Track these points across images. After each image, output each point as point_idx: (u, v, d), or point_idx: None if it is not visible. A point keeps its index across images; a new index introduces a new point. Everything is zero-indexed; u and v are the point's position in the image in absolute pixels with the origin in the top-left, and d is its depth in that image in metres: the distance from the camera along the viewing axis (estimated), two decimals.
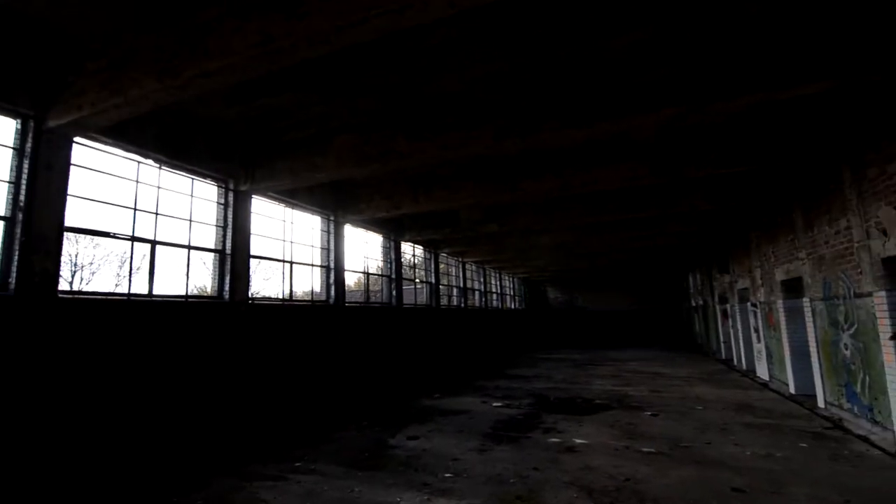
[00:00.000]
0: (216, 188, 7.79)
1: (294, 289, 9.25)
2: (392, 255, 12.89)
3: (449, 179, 9.27)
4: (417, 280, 14.68)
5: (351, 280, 16.30)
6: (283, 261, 9.00)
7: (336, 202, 10.37)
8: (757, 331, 12.71)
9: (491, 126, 6.04)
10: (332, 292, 10.15)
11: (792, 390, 10.05)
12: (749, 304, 13.18)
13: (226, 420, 7.13)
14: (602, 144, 7.88)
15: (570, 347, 26.12)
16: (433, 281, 15.52)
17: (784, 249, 10.09)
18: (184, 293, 6.97)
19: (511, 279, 27.20)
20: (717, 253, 16.92)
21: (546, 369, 16.15)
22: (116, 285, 20.73)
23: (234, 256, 7.66)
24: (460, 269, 18.42)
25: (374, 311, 11.75)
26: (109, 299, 5.93)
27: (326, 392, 9.52)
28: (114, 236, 6.01)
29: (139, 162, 6.42)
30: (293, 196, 9.14)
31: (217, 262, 7.63)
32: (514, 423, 8.20)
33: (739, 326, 14.48)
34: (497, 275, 24.23)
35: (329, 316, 9.90)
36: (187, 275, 7.26)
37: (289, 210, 9.28)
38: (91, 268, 22.25)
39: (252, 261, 8.08)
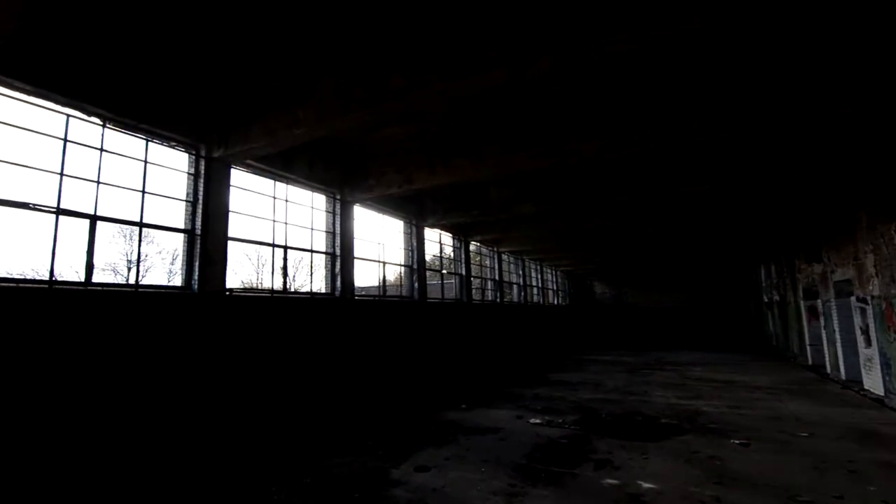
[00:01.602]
0: (186, 155, 6.41)
1: (304, 282, 7.80)
2: (413, 241, 11.27)
3: (470, 145, 7.50)
4: (444, 271, 12.99)
5: (391, 274, 14.86)
6: (275, 245, 7.55)
7: (342, 178, 8.85)
8: (866, 333, 10.13)
9: (516, 44, 4.23)
10: (339, 283, 8.64)
11: None
12: (854, 298, 10.58)
13: (188, 441, 5.73)
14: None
15: (620, 348, 23.67)
16: (463, 272, 13.79)
17: None
18: (132, 282, 5.62)
19: (553, 272, 25.03)
20: (803, 238, 14.18)
21: (594, 374, 14.07)
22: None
23: (205, 238, 6.25)
24: (495, 260, 16.58)
25: (391, 307, 10.18)
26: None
27: (330, 403, 8.03)
28: (33, 207, 4.69)
29: (69, 116, 5.08)
30: (289, 169, 7.69)
31: (185, 246, 6.25)
32: (555, 451, 6.37)
33: (836, 327, 11.83)
34: (538, 267, 22.18)
35: (334, 311, 8.40)
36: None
37: (283, 186, 7.83)
38: None
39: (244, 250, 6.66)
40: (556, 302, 25.11)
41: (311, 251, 8.19)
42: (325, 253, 8.69)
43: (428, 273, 11.81)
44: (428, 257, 12.29)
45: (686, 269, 26.72)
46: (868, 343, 10.05)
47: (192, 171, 6.45)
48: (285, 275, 7.54)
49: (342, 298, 8.59)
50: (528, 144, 7.02)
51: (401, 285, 11.07)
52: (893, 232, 8.43)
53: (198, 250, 6.18)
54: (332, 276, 8.66)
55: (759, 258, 21.42)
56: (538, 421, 8.01)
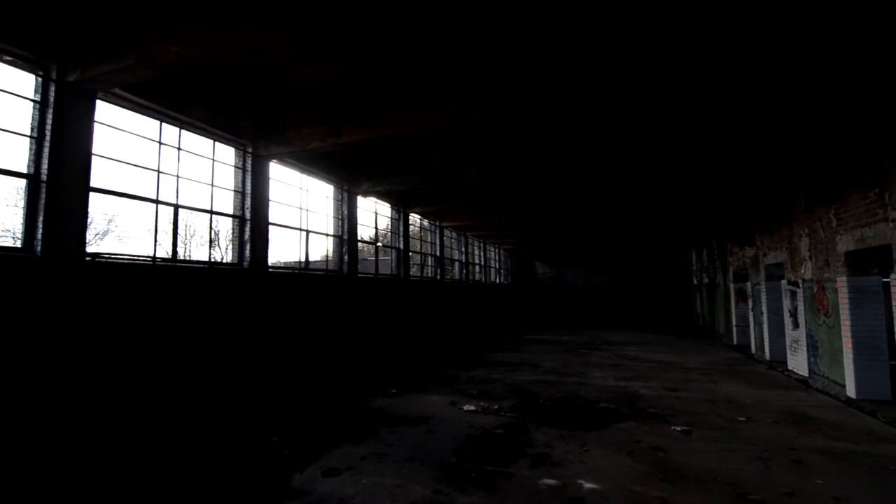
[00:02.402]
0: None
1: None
2: (344, 209, 10.09)
3: (407, 94, 6.44)
4: (380, 244, 11.92)
5: (320, 249, 13.59)
6: (159, 202, 6.14)
7: (255, 129, 7.48)
8: (794, 315, 10.33)
9: None
10: (247, 252, 7.37)
11: (851, 393, 7.71)
12: (784, 282, 10.76)
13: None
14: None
15: (558, 327, 23.85)
16: (401, 246, 12.79)
17: (857, 210, 7.56)
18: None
19: (497, 250, 24.63)
20: (737, 221, 14.45)
21: (533, 354, 13.73)
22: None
23: (56, 187, 4.81)
24: (437, 235, 15.70)
25: (315, 281, 9.03)
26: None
27: (235, 394, 6.87)
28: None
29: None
30: (184, 110, 6.27)
31: (28, 195, 4.77)
32: (490, 444, 5.67)
33: (764, 309, 12.12)
34: (481, 245, 21.60)
35: (241, 285, 7.16)
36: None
37: (175, 130, 6.38)
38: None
39: None
40: (498, 280, 24.81)
41: (212, 212, 6.84)
42: (232, 216, 7.36)
43: (362, 246, 10.73)
44: (362, 228, 11.18)
45: (622, 252, 27.35)
46: (796, 325, 10.25)
47: (40, 98, 4.93)
48: (175, 239, 6.17)
49: (252, 270, 7.34)
50: (476, 96, 6.06)
51: (327, 260, 9.87)
52: (832, 216, 8.40)
53: (42, 202, 4.74)
54: (239, 243, 7.37)
55: (691, 242, 22.12)
56: (473, 408, 7.31)
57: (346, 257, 9.96)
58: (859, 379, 7.66)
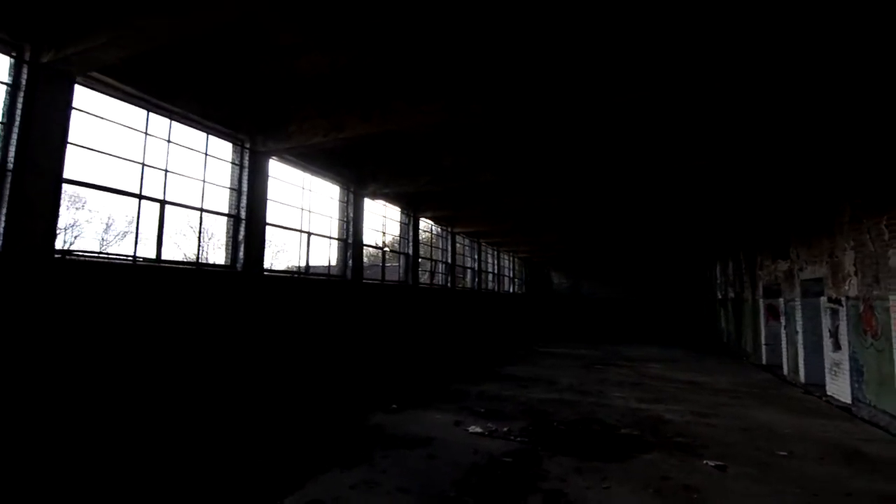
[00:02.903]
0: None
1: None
2: (350, 211, 9.59)
3: (416, 86, 5.91)
4: (387, 249, 11.40)
5: (323, 254, 12.95)
6: (142, 197, 5.70)
7: (254, 123, 7.05)
8: (835, 336, 9.44)
9: None
10: (241, 254, 6.90)
11: None
12: (825, 299, 9.87)
13: None
14: None
15: (575, 340, 22.99)
16: (410, 252, 12.25)
17: None
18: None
19: (510, 258, 23.93)
20: (769, 234, 13.55)
21: (548, 369, 12.99)
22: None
23: (22, 175, 4.38)
24: (448, 242, 15.13)
25: (316, 287, 8.52)
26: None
27: (225, 407, 6.36)
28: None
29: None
30: (171, 99, 5.84)
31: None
32: (496, 475, 5.02)
33: (799, 328, 11.21)
34: (494, 252, 20.96)
35: (233, 288, 6.68)
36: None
37: (164, 121, 5.95)
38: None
39: None
40: (512, 290, 24.09)
41: (202, 210, 6.37)
42: (227, 215, 6.90)
43: (369, 252, 10.22)
44: (369, 233, 10.68)
45: (642, 264, 26.40)
46: (837, 347, 9.35)
47: (11, 80, 4.52)
48: (160, 237, 5.71)
49: (245, 273, 6.85)
50: (490, 88, 5.50)
51: (329, 265, 9.35)
52: (884, 227, 7.57)
53: (7, 192, 4.30)
54: (233, 244, 6.89)
55: (715, 254, 21.11)
56: (479, 430, 6.66)
57: (350, 262, 9.44)
58: None
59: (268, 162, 7.39)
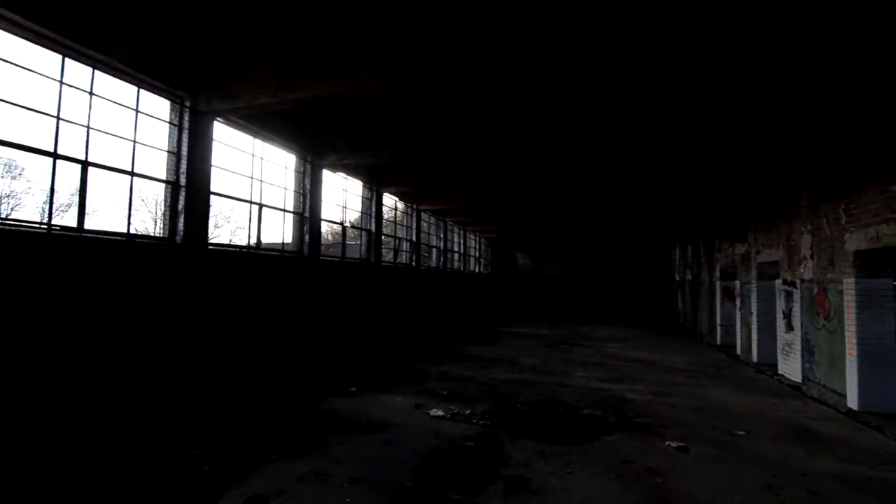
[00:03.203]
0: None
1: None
2: (307, 183, 8.97)
3: (377, 43, 5.37)
4: (348, 224, 10.84)
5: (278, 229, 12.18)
6: (57, 156, 4.97)
7: (196, 79, 6.31)
8: (788, 317, 9.72)
9: None
10: (181, 226, 6.24)
11: (853, 404, 7.08)
12: (779, 281, 10.12)
13: None
14: None
15: (538, 320, 23.21)
16: (373, 228, 11.74)
17: (873, 205, 6.84)
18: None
19: (477, 238, 23.72)
20: (728, 218, 13.82)
21: (511, 349, 12.92)
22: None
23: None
24: (413, 219, 14.67)
25: (267, 263, 7.95)
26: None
27: (168, 388, 5.80)
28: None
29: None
30: (91, 43, 5.07)
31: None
32: (457, 462, 4.77)
33: (754, 309, 11.53)
34: (461, 232, 20.65)
35: (172, 264, 6.05)
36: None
37: (85, 70, 5.18)
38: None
39: None
40: (477, 270, 23.96)
41: (133, 174, 5.65)
42: (163, 181, 6.20)
43: (333, 228, 9.66)
44: (329, 207, 10.09)
45: (604, 246, 26.81)
46: (790, 328, 9.63)
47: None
48: (83, 203, 5.01)
49: (185, 246, 6.22)
50: (456, 46, 5.04)
51: (282, 241, 8.74)
52: (842, 211, 7.69)
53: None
54: (171, 214, 6.22)
55: (674, 238, 21.60)
56: (441, 413, 6.41)
57: (307, 237, 8.87)
58: (863, 389, 7.01)
59: (212, 124, 6.69)
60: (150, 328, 5.69)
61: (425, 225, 16.47)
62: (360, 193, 11.67)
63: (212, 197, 6.75)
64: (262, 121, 7.57)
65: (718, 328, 14.64)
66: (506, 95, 7.33)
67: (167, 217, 6.26)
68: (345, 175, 10.54)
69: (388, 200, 13.20)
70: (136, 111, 5.75)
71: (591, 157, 9.70)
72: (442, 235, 17.73)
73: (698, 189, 11.56)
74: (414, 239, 14.64)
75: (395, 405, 6.79)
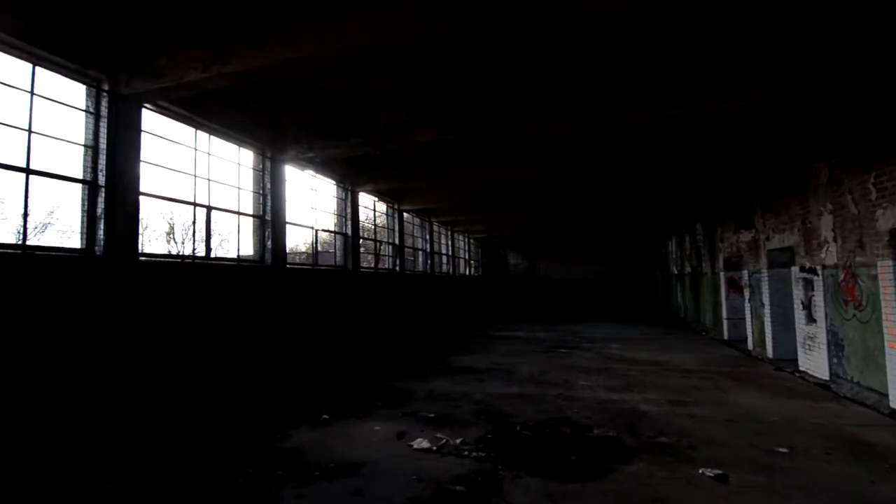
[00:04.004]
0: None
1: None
2: (267, 182, 7.91)
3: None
4: (319, 228, 9.76)
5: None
6: None
7: (115, 56, 5.23)
8: (808, 308, 8.83)
9: None
10: (101, 234, 5.15)
11: None
12: (797, 269, 9.24)
13: None
14: None
15: (533, 321, 22.22)
16: (349, 231, 10.68)
17: None
18: None
19: (465, 239, 22.72)
20: (730, 203, 12.98)
21: (506, 356, 11.90)
22: None
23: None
24: (395, 220, 13.63)
25: (222, 275, 6.86)
26: None
27: (115, 432, 4.68)
28: None
29: None
30: None
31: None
32: None
33: (766, 301, 10.64)
34: (448, 233, 19.65)
35: (92, 281, 4.95)
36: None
37: None
38: None
39: None
40: (467, 272, 22.96)
41: (29, 171, 4.53)
42: (76, 180, 5.10)
43: (308, 236, 8.58)
44: (300, 210, 9.03)
45: (598, 242, 26.02)
46: (811, 319, 8.74)
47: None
48: None
49: (107, 258, 5.11)
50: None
51: (238, 248, 7.64)
52: (871, 185, 6.80)
53: None
54: (89, 220, 5.12)
55: (670, 229, 20.78)
56: (426, 444, 5.35)
57: (269, 243, 7.79)
58: None
59: (139, 111, 5.61)
60: (58, 354, 4.57)
61: (409, 227, 15.45)
62: (334, 194, 10.62)
63: (162, 203, 5.66)
64: (205, 109, 6.50)
65: (725, 322, 13.77)
66: (484, 70, 6.34)
67: (84, 223, 5.15)
68: (313, 173, 9.47)
69: (367, 201, 12.16)
70: (32, 93, 4.65)
71: (578, 138, 8.75)
72: (428, 237, 16.70)
73: (697, 172, 10.69)
74: (397, 242, 13.59)
75: (372, 436, 5.72)
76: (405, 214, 14.36)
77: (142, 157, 5.63)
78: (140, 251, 5.64)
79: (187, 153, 6.56)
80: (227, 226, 15.44)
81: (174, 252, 16.19)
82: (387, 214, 13.55)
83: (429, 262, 16.65)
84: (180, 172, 6.30)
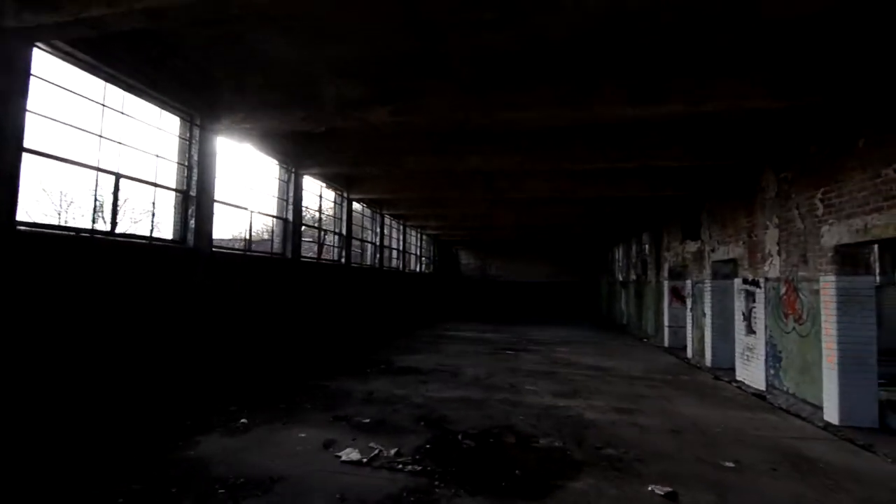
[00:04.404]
0: None
1: None
2: (195, 153, 6.98)
3: None
4: (254, 210, 8.86)
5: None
6: None
7: None
8: (748, 319, 9.00)
9: None
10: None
11: (832, 418, 6.27)
12: (739, 280, 9.40)
13: None
14: None
15: (481, 321, 22.03)
16: (290, 217, 9.83)
17: (861, 193, 6.02)
18: None
19: (418, 235, 22.15)
20: (678, 214, 13.24)
21: (452, 356, 11.47)
22: None
23: None
24: (343, 209, 12.85)
25: (136, 256, 5.92)
26: None
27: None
28: None
29: None
30: None
31: None
32: None
33: (707, 310, 10.84)
34: (400, 227, 19.01)
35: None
36: None
37: None
38: None
39: None
40: (419, 269, 22.40)
41: None
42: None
43: (239, 218, 7.69)
44: (230, 188, 8.11)
45: (549, 246, 26.28)
46: (751, 331, 8.90)
47: None
48: None
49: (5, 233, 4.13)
50: None
51: (151, 226, 6.68)
52: (818, 201, 6.90)
53: None
54: None
55: (617, 237, 21.22)
56: (356, 456, 4.75)
57: (192, 223, 6.87)
58: (844, 402, 6.19)
59: (28, 50, 4.64)
60: None
61: (359, 217, 14.69)
62: (277, 175, 9.73)
63: (45, 161, 4.68)
64: (119, 59, 5.54)
65: (666, 330, 14.05)
66: (448, 50, 5.82)
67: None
68: (253, 149, 8.57)
69: (314, 187, 11.33)
70: None
71: (543, 136, 8.45)
72: (378, 230, 15.99)
73: (647, 183, 10.70)
74: (344, 232, 12.81)
75: (296, 444, 5.05)
76: (355, 204, 13.60)
77: (29, 107, 4.65)
78: (22, 221, 4.67)
79: (95, 110, 5.58)
80: (145, 202, 14.05)
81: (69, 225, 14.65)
82: (335, 202, 12.74)
83: (378, 255, 15.94)
84: (81, 130, 5.31)
